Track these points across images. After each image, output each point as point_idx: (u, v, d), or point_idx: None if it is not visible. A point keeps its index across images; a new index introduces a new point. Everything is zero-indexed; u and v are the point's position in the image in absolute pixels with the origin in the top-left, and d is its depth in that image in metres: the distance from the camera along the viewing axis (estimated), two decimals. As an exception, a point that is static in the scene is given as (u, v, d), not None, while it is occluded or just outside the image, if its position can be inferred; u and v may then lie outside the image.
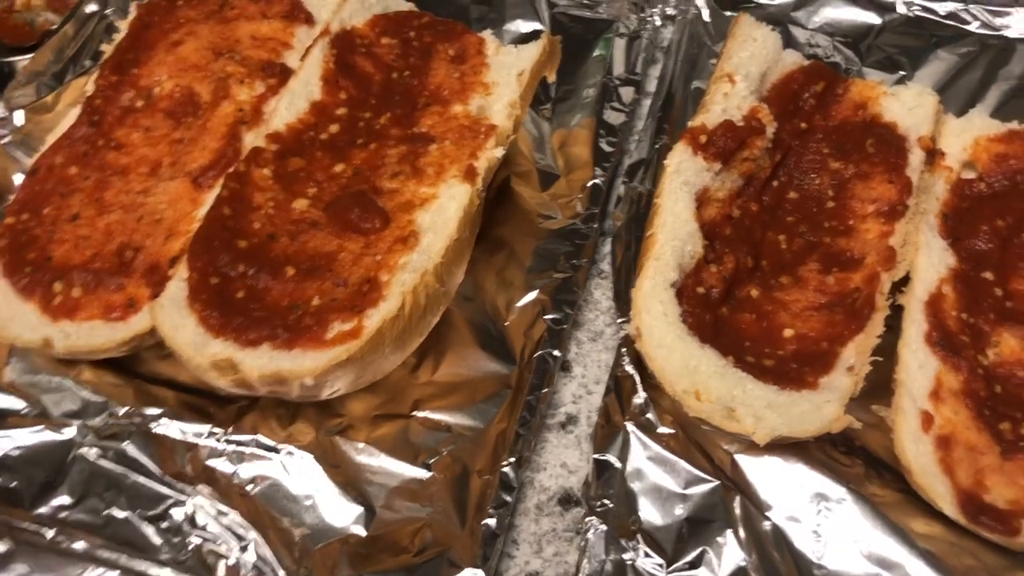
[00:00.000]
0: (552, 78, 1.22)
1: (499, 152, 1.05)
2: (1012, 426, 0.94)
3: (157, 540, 0.92)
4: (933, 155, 1.12)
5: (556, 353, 1.04)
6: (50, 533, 0.92)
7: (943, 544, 0.92)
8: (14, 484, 0.95)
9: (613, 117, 1.24)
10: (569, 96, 1.26)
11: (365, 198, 1.00)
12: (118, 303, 0.97)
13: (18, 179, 1.14)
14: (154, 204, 1.04)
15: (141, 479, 0.96)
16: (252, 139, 1.07)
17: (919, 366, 0.97)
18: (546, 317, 1.06)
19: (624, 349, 1.03)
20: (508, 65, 1.14)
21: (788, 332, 1.00)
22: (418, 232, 0.97)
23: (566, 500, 0.99)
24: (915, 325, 1.00)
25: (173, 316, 0.92)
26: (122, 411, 0.99)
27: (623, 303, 1.06)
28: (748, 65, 1.13)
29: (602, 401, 1.01)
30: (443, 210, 0.99)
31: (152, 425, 0.99)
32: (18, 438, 0.98)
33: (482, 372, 1.03)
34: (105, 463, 0.96)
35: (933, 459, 0.92)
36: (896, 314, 1.01)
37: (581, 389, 1.06)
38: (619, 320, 1.05)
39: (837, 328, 1.00)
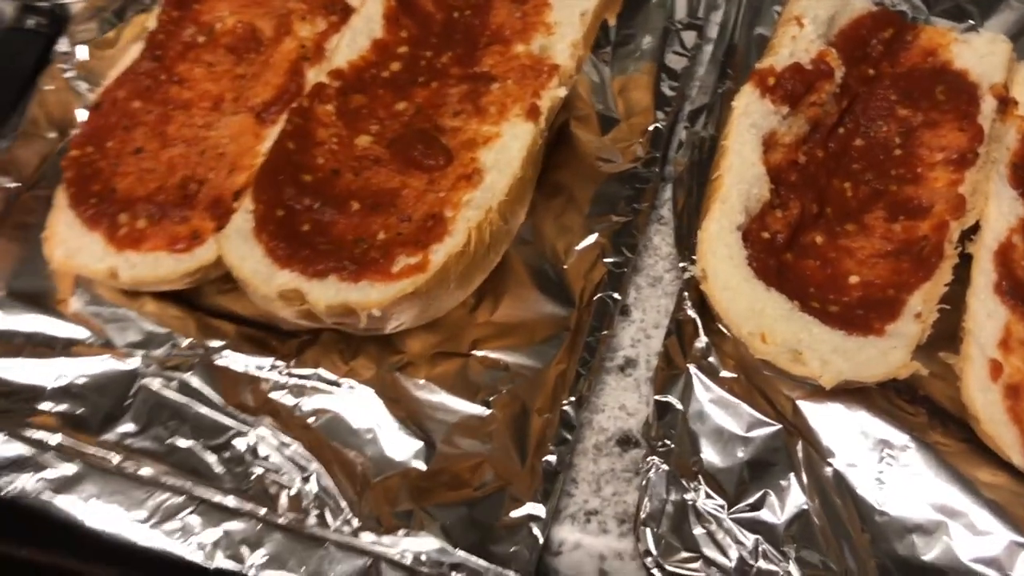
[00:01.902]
0: (613, 21, 1.20)
1: (562, 92, 1.04)
2: (1083, 377, 0.92)
3: (220, 469, 0.94)
4: (1005, 103, 1.09)
5: (616, 296, 1.03)
6: (116, 458, 0.93)
7: (1008, 493, 0.91)
8: (80, 411, 0.96)
9: (675, 61, 1.22)
10: (629, 41, 1.24)
11: (428, 135, 1.00)
12: (182, 235, 0.98)
13: (82, 114, 1.15)
14: (217, 138, 1.04)
15: (204, 410, 0.97)
16: (314, 76, 1.07)
17: (988, 315, 0.95)
18: (606, 260, 1.06)
19: (686, 293, 1.02)
20: (571, 5, 1.12)
21: (854, 279, 0.99)
22: (482, 170, 0.97)
23: (625, 441, 0.98)
24: (984, 274, 0.98)
25: (240, 247, 0.92)
26: (185, 343, 1.00)
27: (685, 248, 1.05)
28: (816, 8, 1.11)
29: (663, 344, 1.00)
30: (506, 148, 0.99)
31: (214, 357, 0.99)
32: (84, 367, 0.99)
33: (540, 314, 1.03)
34: (168, 393, 0.97)
35: (1001, 408, 0.91)
36: (964, 263, 1.00)
37: (640, 333, 1.06)
38: (681, 264, 1.04)
39: (904, 276, 0.98)
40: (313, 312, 0.89)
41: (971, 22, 1.26)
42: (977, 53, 1.12)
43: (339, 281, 0.89)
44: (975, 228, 1.02)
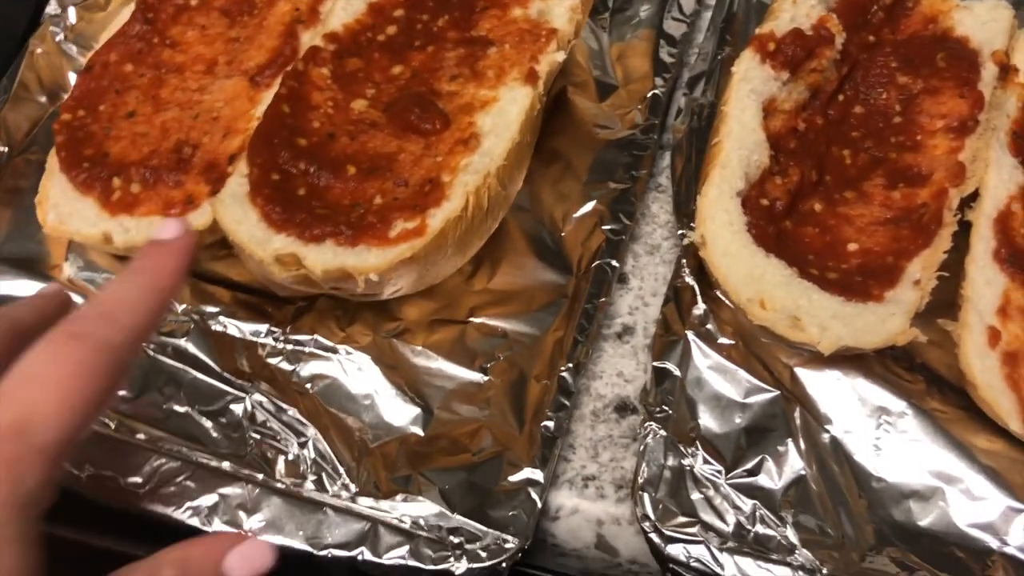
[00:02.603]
0: (611, -14, 1.19)
1: (560, 56, 1.03)
2: (1081, 344, 0.92)
3: (216, 435, 0.93)
4: (1006, 71, 1.08)
5: (614, 263, 1.03)
6: (113, 424, 0.93)
7: (1005, 460, 0.92)
8: (75, 377, 0.95)
9: (674, 28, 1.21)
10: (627, 7, 1.23)
11: (425, 99, 0.99)
12: (177, 199, 0.97)
13: (73, 77, 1.13)
14: (211, 102, 1.03)
15: (200, 375, 0.96)
16: (309, 39, 1.05)
17: (986, 282, 0.95)
18: (604, 227, 1.05)
19: (684, 260, 1.02)
20: (569, -31, 1.10)
21: (852, 246, 0.99)
22: (479, 134, 0.96)
23: (622, 408, 0.98)
24: (983, 241, 0.98)
25: (235, 211, 0.91)
26: (180, 308, 0.99)
27: (683, 215, 1.04)
28: (818, -27, 1.09)
29: (660, 311, 1.00)
30: (504, 112, 0.98)
31: (210, 323, 0.99)
32: (78, 332, 0.98)
33: (538, 281, 1.03)
34: (164, 359, 0.97)
35: (999, 375, 0.91)
36: (963, 231, 0.99)
37: (638, 301, 1.06)
38: (679, 231, 1.03)
39: (903, 243, 0.98)
40: (310, 277, 0.88)
41: (972, -11, 1.25)
42: (979, 20, 1.11)
43: (336, 245, 0.88)
44: (975, 195, 1.01)
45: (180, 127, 1.01)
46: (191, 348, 0.97)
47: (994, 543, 0.87)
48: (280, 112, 0.97)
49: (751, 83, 1.02)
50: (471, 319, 1.00)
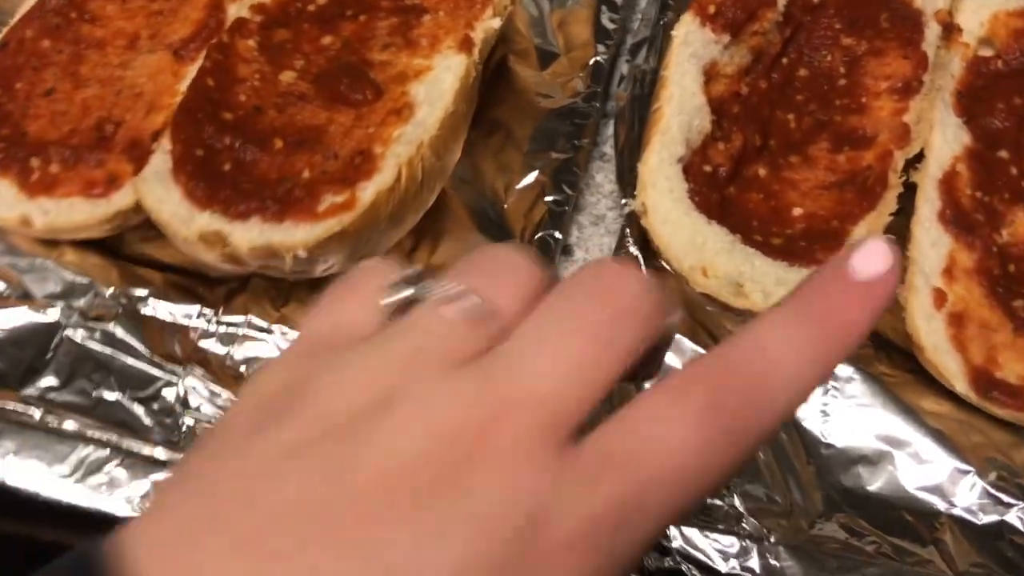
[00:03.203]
0: (550, -49, 1.16)
1: (496, 23, 1.00)
2: (1026, 303, 0.92)
3: (149, 421, 0.90)
4: (950, 30, 1.07)
5: (557, 235, 1.00)
6: (38, 413, 0.89)
7: (952, 422, 0.91)
8: (0, 366, 0.92)
9: (615, -7, 1.18)
10: (569, -28, 1.20)
11: (355, 69, 0.96)
12: (99, 179, 0.93)
13: (-12, 55, 1.08)
14: (133, 78, 0.99)
15: (130, 360, 0.93)
16: (236, 11, 1.01)
17: (932, 244, 0.94)
18: (547, 199, 1.03)
19: (628, 229, 1.00)
20: (505, -66, 1.07)
21: (797, 211, 0.97)
22: (412, 104, 0.93)
23: (567, 382, 0.96)
24: (928, 203, 0.96)
25: (157, 189, 0.87)
26: (108, 292, 0.95)
27: (626, 184, 1.02)
28: (759, -67, 1.07)
29: (605, 282, 0.97)
30: (438, 81, 0.95)
31: (140, 306, 0.95)
32: (1, 320, 0.94)
33: (480, 255, 1.00)
34: (92, 344, 0.93)
35: (945, 336, 0.90)
36: (908, 194, 0.98)
37: (582, 272, 1.03)
38: (623, 200, 1.01)
39: (848, 206, 0.97)
40: (236, 255, 0.85)
41: (917, -50, 1.24)
42: (922, -21, 1.09)
43: (262, 222, 0.85)
44: (920, 157, 1.00)
45: (101, 104, 0.97)
46: (120, 333, 0.94)
47: (942, 505, 0.87)
48: (205, 86, 0.94)
49: (691, 47, 1.00)
50: (412, 295, 0.97)
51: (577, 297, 0.43)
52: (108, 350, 0.93)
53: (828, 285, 0.43)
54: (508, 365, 0.41)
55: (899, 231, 0.95)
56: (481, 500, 0.37)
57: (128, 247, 1.00)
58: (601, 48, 1.13)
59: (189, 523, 0.37)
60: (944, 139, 1.00)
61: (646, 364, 0.45)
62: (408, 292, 0.46)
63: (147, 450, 0.88)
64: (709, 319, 0.96)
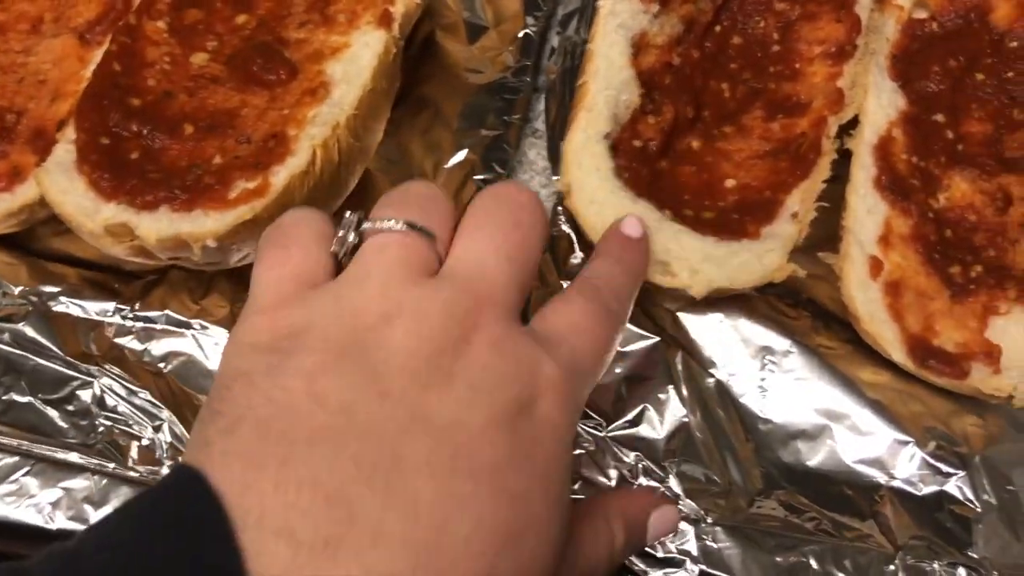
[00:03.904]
0: (476, -78, 1.12)
1: (417, -4, 0.96)
2: (962, 269, 0.90)
3: (63, 424, 0.86)
4: (884, -8, 1.05)
5: (487, 214, 0.97)
6: (-57, 421, 0.85)
7: (891, 392, 0.89)
8: (-99, 373, 0.87)
9: (545, -37, 1.14)
10: (497, -57, 1.17)
11: (269, 48, 0.91)
12: (2, 171, 0.89)
13: None
14: (37, 64, 0.94)
15: (43, 361, 0.89)
16: (144, -10, 0.97)
17: (867, 211, 0.92)
18: (476, 177, 1.00)
19: (559, 208, 0.97)
20: (426, -96, 1.03)
21: (730, 182, 0.95)
22: (329, 83, 0.89)
23: (501, 366, 0.93)
24: (864, 170, 0.94)
25: (60, 181, 0.83)
26: (17, 291, 0.91)
27: (558, 160, 0.99)
28: (686, -103, 1.04)
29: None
30: (356, 59, 0.91)
31: (51, 304, 0.91)
32: (-97, 324, 0.90)
33: (410, 238, 0.97)
34: (1, 346, 0.89)
35: (882, 305, 0.88)
36: (844, 161, 0.96)
37: (516, 252, 1.00)
38: (554, 178, 0.98)
39: (781, 175, 0.94)
40: (145, 247, 0.81)
41: (852, -88, 1.21)
42: (854, -59, 1.07)
43: (171, 211, 0.81)
44: (854, 123, 0.98)
45: (3, 93, 0.93)
46: (31, 332, 0.90)
47: (882, 478, 0.85)
48: (111, 71, 0.89)
49: (619, 17, 0.96)
50: (338, 282, 0.94)
51: (490, 208, 0.62)
52: (18, 351, 0.89)
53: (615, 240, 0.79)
54: (466, 271, 0.57)
55: (834, 199, 0.93)
56: (489, 369, 0.53)
57: (40, 242, 0.96)
58: (531, 20, 1.10)
59: (256, 448, 0.48)
60: (879, 104, 0.98)
61: None
62: (353, 236, 0.60)
63: (60, 455, 0.84)
64: (644, 296, 0.93)
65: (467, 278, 0.56)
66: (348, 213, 0.61)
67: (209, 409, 0.53)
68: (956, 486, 0.84)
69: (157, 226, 0.81)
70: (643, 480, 0.84)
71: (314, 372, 0.50)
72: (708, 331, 0.92)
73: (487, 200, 0.62)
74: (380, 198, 0.63)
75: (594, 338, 0.62)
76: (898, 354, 0.87)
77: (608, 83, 0.94)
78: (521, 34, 1.08)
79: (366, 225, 0.60)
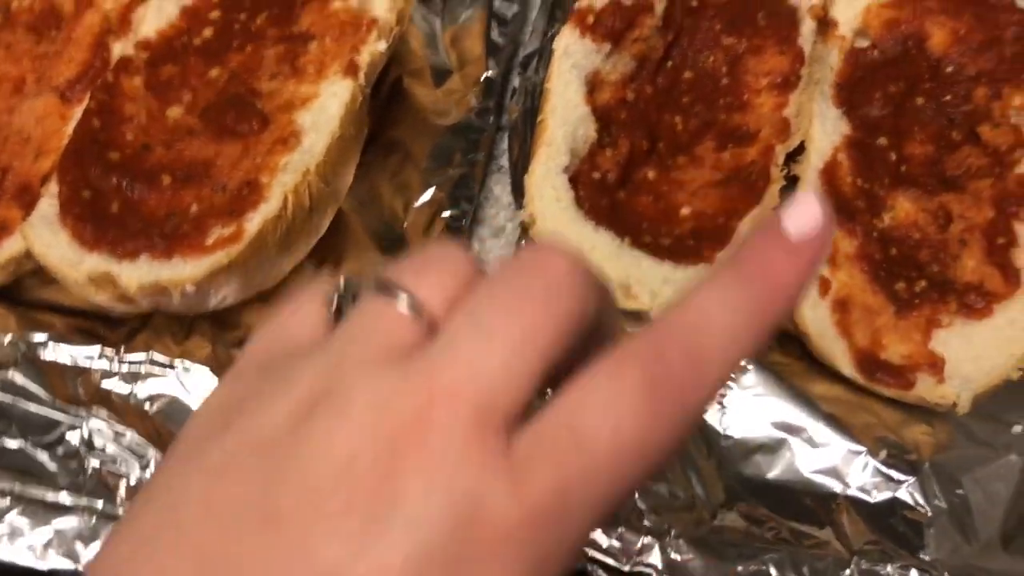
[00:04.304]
0: (439, -30, 1.18)
1: (381, 46, 1.01)
2: (907, 285, 0.95)
3: (53, 466, 0.90)
4: (825, 25, 1.10)
5: (455, 249, 1.02)
6: (-64, 467, 0.89)
7: (843, 405, 0.94)
8: None
9: (504, 8, 1.20)
10: (459, -11, 1.22)
11: (241, 100, 0.96)
12: (-12, 227, 0.93)
13: None
14: (20, 123, 0.99)
15: (32, 407, 0.93)
16: (121, 49, 1.01)
17: (815, 234, 0.97)
18: (444, 214, 1.04)
19: (523, 240, 1.02)
20: (388, -44, 1.08)
21: (685, 210, 1.00)
22: (299, 132, 0.94)
23: (473, 394, 0.98)
24: (811, 194, 0.99)
25: (44, 234, 0.88)
26: (6, 339, 0.95)
27: (521, 195, 1.04)
28: (635, -58, 1.10)
29: (503, 293, 0.99)
30: (325, 108, 0.96)
31: (40, 351, 0.95)
32: None
33: (383, 275, 1.01)
34: (-8, 393, 0.93)
35: (830, 322, 0.93)
36: (793, 186, 1.01)
37: (485, 285, 1.05)
38: (518, 212, 1.03)
39: (733, 203, 0.99)
40: (127, 295, 0.86)
41: (797, -53, 1.27)
42: (796, -24, 1.12)
43: (151, 259, 0.85)
44: (801, 150, 1.03)
45: (-12, 152, 0.97)
46: (20, 379, 0.94)
47: (837, 487, 0.89)
48: (90, 127, 0.94)
49: (572, 58, 1.02)
50: (315, 320, 0.98)
51: (503, 283, 0.42)
52: (8, 398, 0.93)
53: (762, 246, 0.42)
54: (438, 357, 0.39)
55: (784, 223, 0.97)
56: (415, 501, 0.36)
57: (27, 292, 1.00)
58: (492, 63, 1.15)
59: (136, 542, 0.39)
60: (824, 130, 1.04)
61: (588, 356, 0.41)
62: (339, 298, 0.48)
63: (51, 496, 0.88)
64: (608, 322, 0.98)
65: (440, 365, 0.39)
66: (352, 276, 0.51)
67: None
68: (908, 492, 0.88)
69: (138, 274, 0.85)
70: (610, 498, 0.88)
71: (220, 467, 0.39)
72: (669, 353, 0.96)
73: (511, 267, 0.43)
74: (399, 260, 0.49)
75: (631, 447, 0.37)
76: (848, 368, 0.91)
77: (565, 120, 0.99)
78: (484, 77, 1.14)
79: (352, 288, 0.49)
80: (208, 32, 1.04)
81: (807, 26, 1.09)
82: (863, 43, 1.11)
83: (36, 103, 1.00)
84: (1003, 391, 0.90)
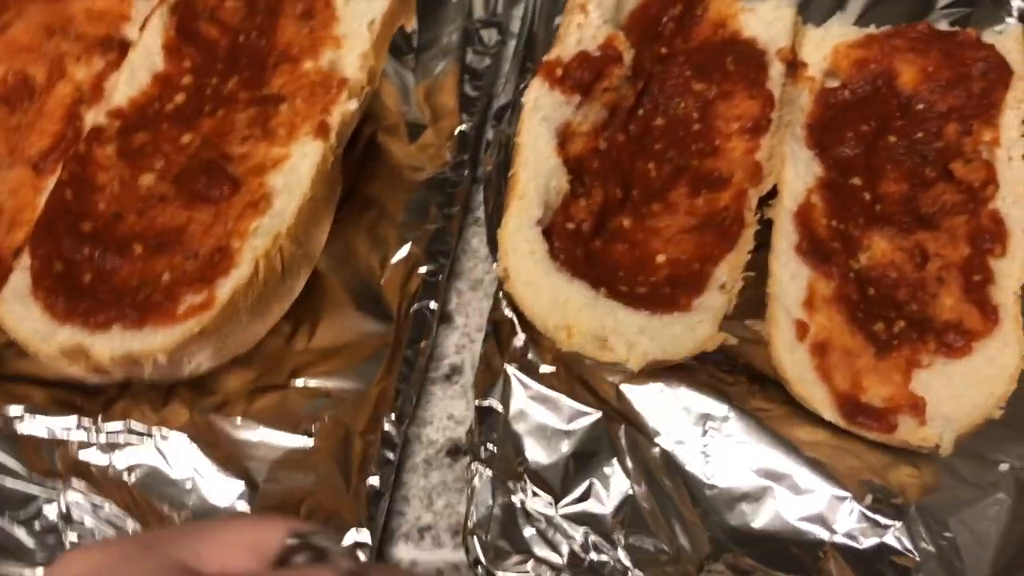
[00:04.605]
0: (410, 26, 1.19)
1: (352, 105, 1.02)
2: (885, 325, 0.94)
3: (30, 543, 0.89)
4: (795, 67, 1.11)
5: (432, 305, 1.02)
6: (-88, 548, 0.88)
7: (828, 449, 0.93)
8: None
9: (476, 61, 1.21)
10: (431, 44, 1.23)
11: (212, 165, 0.97)
12: (-38, 303, 0.92)
13: None
14: (-7, 196, 0.99)
15: (8, 481, 0.92)
16: (93, 118, 1.02)
17: (791, 277, 0.97)
18: (420, 270, 1.04)
19: (501, 293, 1.01)
20: (359, 16, 1.10)
21: (661, 257, 1.00)
22: (270, 195, 0.94)
23: (454, 451, 0.97)
24: (785, 237, 0.99)
25: (16, 308, 0.87)
26: (-19, 414, 0.95)
27: (496, 247, 1.04)
28: (601, -7, 1.11)
29: (482, 347, 0.99)
30: (295, 169, 0.96)
31: (16, 425, 0.94)
32: None
33: (360, 334, 1.01)
34: (-32, 470, 0.92)
35: (810, 367, 0.92)
36: (767, 230, 1.01)
37: (464, 339, 1.05)
38: (494, 264, 1.03)
39: (708, 248, 0.99)
40: (100, 366, 0.85)
41: (766, -10, 1.29)
42: (763, 21, 1.13)
43: (122, 330, 0.85)
44: (774, 193, 1.03)
45: (-38, 226, 0.97)
46: (-4, 454, 0.93)
47: (824, 534, 0.88)
48: (62, 198, 0.94)
49: (542, 111, 1.02)
50: (293, 382, 0.98)
51: None
52: (-15, 473, 0.92)
53: None
54: None
55: (760, 267, 0.98)
56: None
57: (4, 365, 0.99)
58: (466, 117, 1.16)
59: None
60: (796, 172, 1.04)
61: None
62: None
63: (28, 572, 0.87)
64: (588, 372, 0.98)
65: None
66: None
67: None
68: (895, 537, 0.87)
69: (110, 345, 0.85)
70: (593, 555, 0.87)
71: None
72: (650, 401, 0.96)
73: None
74: None
75: None
76: (829, 412, 0.91)
77: (536, 172, 0.99)
78: (458, 131, 1.14)
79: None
80: (180, 98, 1.04)
81: (776, 69, 1.09)
82: (833, 83, 1.12)
83: (9, 175, 1.00)
84: (987, 429, 0.89)
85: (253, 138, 1.00)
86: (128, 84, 1.03)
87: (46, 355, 0.85)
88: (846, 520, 0.88)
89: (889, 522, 0.88)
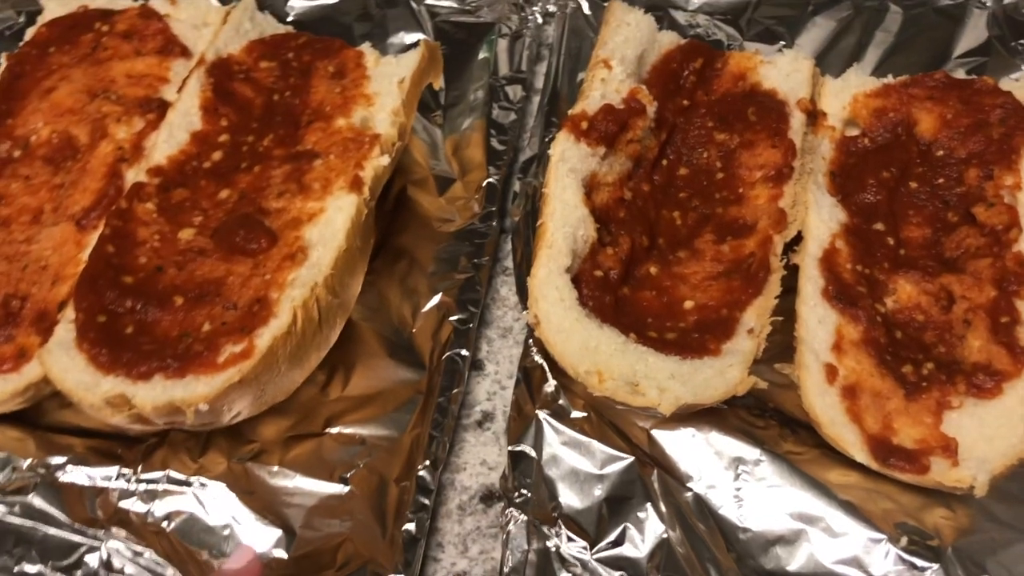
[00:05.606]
0: (438, 85, 1.22)
1: (384, 160, 1.05)
2: (914, 368, 0.95)
3: (72, 591, 0.90)
4: (815, 116, 1.14)
5: (464, 352, 1.03)
6: (-44, 598, 0.89)
7: (861, 492, 0.93)
8: (-82, 553, 0.92)
9: (502, 116, 1.25)
10: (458, 101, 1.27)
11: (250, 219, 0.99)
12: (8, 354, 0.95)
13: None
14: (38, 251, 1.02)
15: (51, 530, 0.93)
16: (133, 175, 1.06)
17: (819, 321, 0.98)
18: (451, 319, 1.06)
19: (531, 340, 1.03)
20: (388, 75, 1.14)
21: (688, 303, 1.01)
22: (306, 247, 0.97)
23: (488, 497, 0.98)
24: (811, 282, 1.01)
25: (62, 359, 0.90)
26: (25, 464, 0.97)
27: (525, 294, 1.05)
28: (623, 49, 1.14)
29: (513, 393, 1.00)
30: (330, 222, 0.99)
31: (58, 474, 0.96)
32: (-81, 505, 0.95)
33: (393, 381, 1.03)
34: (12, 519, 0.94)
35: (840, 409, 0.93)
36: (793, 275, 1.02)
37: (495, 385, 1.06)
38: (523, 312, 1.05)
39: (735, 294, 1.01)
40: (142, 415, 0.87)
41: (783, 43, 1.32)
42: (782, 72, 1.16)
43: (164, 380, 0.87)
44: (799, 239, 1.05)
45: (8, 280, 1.00)
46: (39, 503, 0.95)
47: (860, 577, 0.88)
48: (105, 253, 0.97)
49: (569, 162, 1.05)
50: (328, 430, 0.99)
51: None
52: (28, 522, 0.94)
53: None
54: None
55: (787, 311, 0.99)
56: None
57: (47, 416, 1.01)
58: (493, 169, 1.19)
59: None
60: (820, 219, 1.05)
61: None
62: None
63: (70, 621, 0.88)
64: (619, 417, 0.99)
65: None
66: None
67: None
68: (933, 579, 0.87)
69: (152, 394, 0.86)
70: (629, 599, 0.87)
71: None
72: (682, 446, 0.97)
73: None
74: None
75: None
76: (860, 455, 0.91)
77: (565, 222, 1.01)
78: (485, 183, 1.17)
79: None
80: (217, 155, 1.08)
81: (797, 119, 1.12)
82: (853, 132, 1.14)
83: (53, 231, 1.03)
84: (1022, 470, 0.89)
85: (289, 193, 1.03)
86: (167, 143, 1.07)
87: (90, 405, 0.87)
88: (882, 563, 0.88)
89: (926, 564, 0.88)
